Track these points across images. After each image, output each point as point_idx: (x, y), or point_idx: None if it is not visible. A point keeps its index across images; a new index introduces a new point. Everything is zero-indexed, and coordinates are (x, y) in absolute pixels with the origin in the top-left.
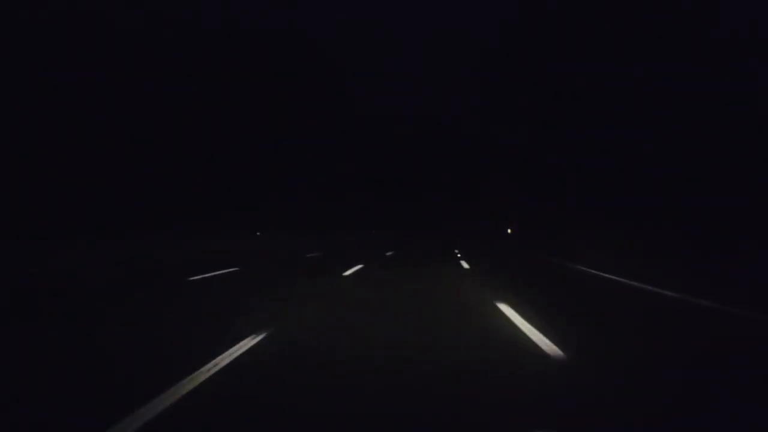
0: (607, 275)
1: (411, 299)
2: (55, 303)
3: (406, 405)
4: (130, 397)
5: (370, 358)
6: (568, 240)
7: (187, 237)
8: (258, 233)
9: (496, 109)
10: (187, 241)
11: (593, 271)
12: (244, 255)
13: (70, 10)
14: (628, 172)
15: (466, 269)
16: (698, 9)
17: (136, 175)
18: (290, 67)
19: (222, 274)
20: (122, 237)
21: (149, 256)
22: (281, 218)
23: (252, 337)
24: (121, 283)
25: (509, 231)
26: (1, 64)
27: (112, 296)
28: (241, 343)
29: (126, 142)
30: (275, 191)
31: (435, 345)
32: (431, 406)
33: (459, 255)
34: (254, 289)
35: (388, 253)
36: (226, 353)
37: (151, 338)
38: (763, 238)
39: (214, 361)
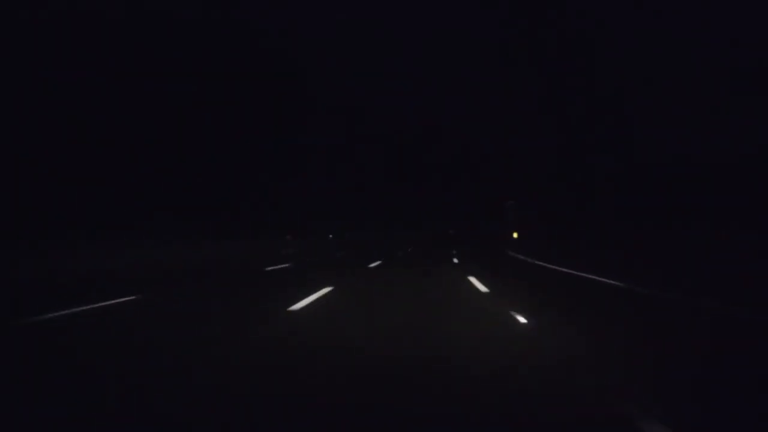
0: None
1: None
2: None
3: None
4: None
5: None
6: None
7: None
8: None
9: (497, 109)
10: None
11: None
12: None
13: (70, 10)
14: (633, 172)
15: None
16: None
17: (136, 175)
18: (290, 67)
19: None
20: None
21: None
22: (280, 219)
23: None
24: None
25: (515, 235)
26: (1, 64)
27: None
28: None
29: (126, 142)
30: (275, 191)
31: None
32: None
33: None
34: None
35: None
36: None
37: None
38: None
39: None
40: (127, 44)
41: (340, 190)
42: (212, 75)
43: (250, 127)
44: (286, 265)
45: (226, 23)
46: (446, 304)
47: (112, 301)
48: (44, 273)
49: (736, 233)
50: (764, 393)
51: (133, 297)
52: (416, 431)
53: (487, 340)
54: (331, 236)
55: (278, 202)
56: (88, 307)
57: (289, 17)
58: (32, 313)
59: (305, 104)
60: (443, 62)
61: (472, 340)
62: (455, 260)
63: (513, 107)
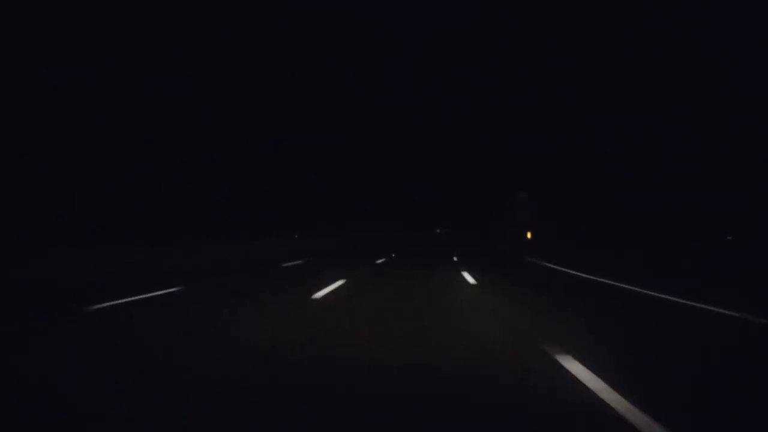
0: None
1: None
2: None
3: None
4: None
5: None
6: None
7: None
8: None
9: (497, 109)
10: None
11: None
12: None
13: (70, 10)
14: (636, 172)
15: None
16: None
17: (136, 175)
18: (290, 67)
19: None
20: None
21: None
22: (281, 220)
23: None
24: None
25: (528, 235)
26: (1, 64)
27: None
28: None
29: (126, 142)
30: (277, 192)
31: None
32: None
33: None
34: None
35: None
36: None
37: None
38: None
39: None
40: (127, 44)
41: (340, 189)
42: (212, 75)
43: (250, 127)
44: (172, 290)
45: (226, 23)
46: None
47: None
48: None
49: (737, 233)
50: (764, 393)
51: None
52: None
53: None
54: (296, 236)
55: (278, 202)
56: None
57: (289, 17)
58: None
59: (305, 104)
60: (443, 62)
61: None
62: (469, 278)
63: (513, 107)
